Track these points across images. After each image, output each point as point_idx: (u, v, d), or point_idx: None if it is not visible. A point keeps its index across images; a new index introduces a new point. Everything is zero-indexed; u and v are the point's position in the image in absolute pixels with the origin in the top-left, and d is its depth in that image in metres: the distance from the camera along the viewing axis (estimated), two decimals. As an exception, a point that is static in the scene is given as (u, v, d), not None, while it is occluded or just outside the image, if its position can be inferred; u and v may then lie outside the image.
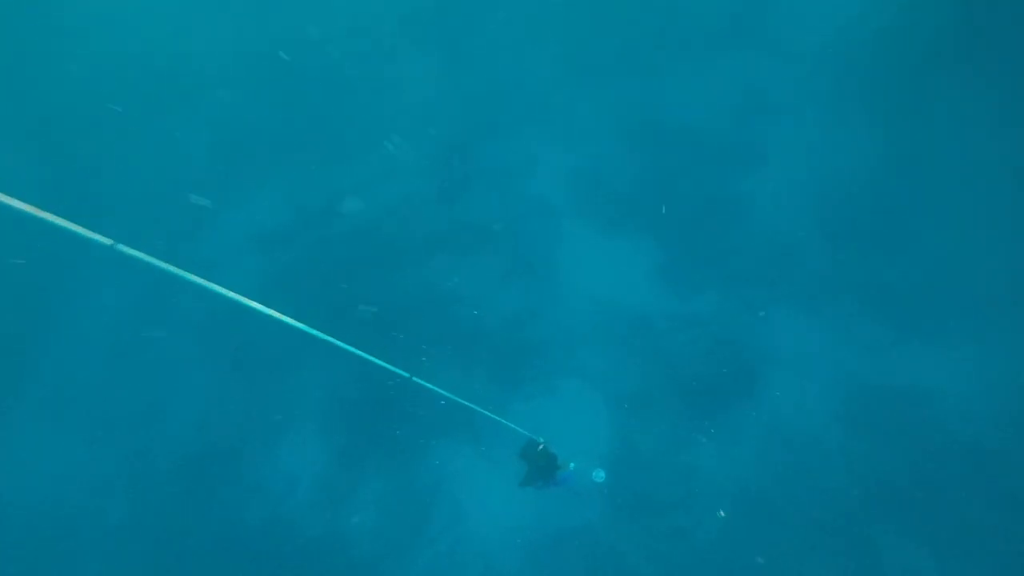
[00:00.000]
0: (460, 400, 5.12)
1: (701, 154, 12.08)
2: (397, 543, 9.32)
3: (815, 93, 12.31)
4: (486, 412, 5.62)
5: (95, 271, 12.22)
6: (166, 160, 13.95)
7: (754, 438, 9.35)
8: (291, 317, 3.42)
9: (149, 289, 11.91)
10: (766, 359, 9.90)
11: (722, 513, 8.47)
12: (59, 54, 15.57)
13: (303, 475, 9.90)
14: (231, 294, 3.03)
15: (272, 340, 10.85)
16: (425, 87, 13.97)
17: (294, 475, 9.93)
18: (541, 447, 7.75)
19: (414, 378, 4.65)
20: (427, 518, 9.45)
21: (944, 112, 11.38)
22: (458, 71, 14.16)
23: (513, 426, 6.52)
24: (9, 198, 2.06)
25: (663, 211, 11.04)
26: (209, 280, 2.93)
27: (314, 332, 3.65)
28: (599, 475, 9.02)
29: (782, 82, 12.50)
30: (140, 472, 10.24)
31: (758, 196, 11.46)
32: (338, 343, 3.89)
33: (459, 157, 12.75)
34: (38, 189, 11.69)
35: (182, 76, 15.00)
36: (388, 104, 13.95)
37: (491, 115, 13.31)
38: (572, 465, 8.04)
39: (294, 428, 10.33)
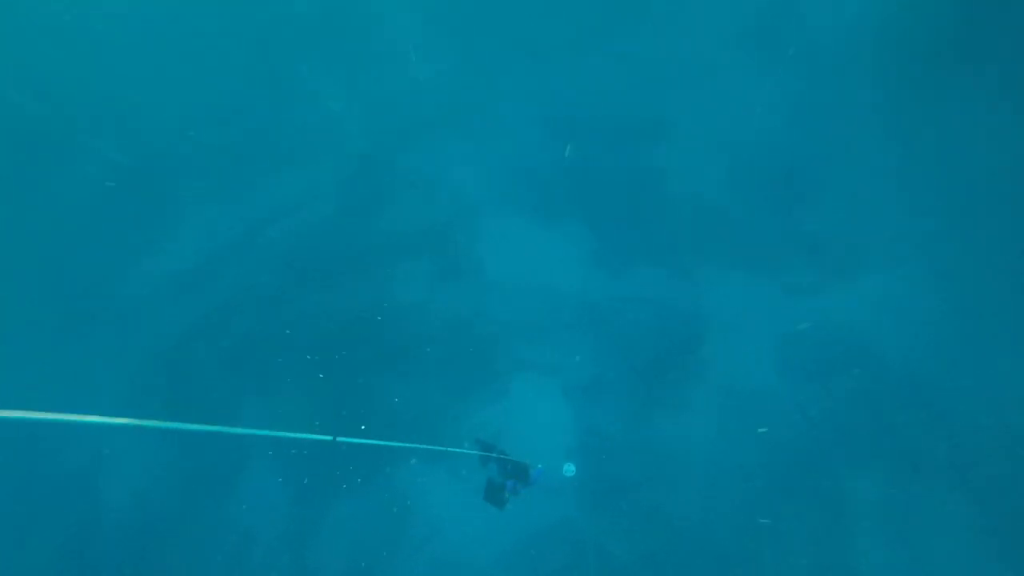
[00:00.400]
0: (391, 443, 4.85)
1: (628, 139, 11.74)
2: (379, 564, 9.17)
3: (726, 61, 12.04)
4: (421, 445, 5.38)
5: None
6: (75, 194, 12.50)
7: (712, 403, 9.50)
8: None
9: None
10: (709, 324, 9.99)
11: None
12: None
13: (262, 522, 9.47)
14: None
15: (206, 385, 10.24)
16: (326, 100, 12.93)
17: (252, 524, 9.49)
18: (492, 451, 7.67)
19: (338, 439, 4.35)
20: (404, 536, 9.28)
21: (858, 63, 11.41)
22: (357, 79, 13.20)
23: (453, 449, 6.32)
24: None
25: (567, 153, 10.70)
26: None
27: (221, 429, 3.29)
28: (569, 469, 9.00)
29: (687, 58, 12.13)
30: (88, 549, 9.59)
31: (675, 170, 11.24)
32: (249, 431, 3.56)
33: (373, 168, 12.05)
34: None
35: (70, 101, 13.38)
36: (291, 120, 12.86)
37: (398, 121, 12.54)
38: (540, 466, 8.00)
39: (244, 474, 9.83)
